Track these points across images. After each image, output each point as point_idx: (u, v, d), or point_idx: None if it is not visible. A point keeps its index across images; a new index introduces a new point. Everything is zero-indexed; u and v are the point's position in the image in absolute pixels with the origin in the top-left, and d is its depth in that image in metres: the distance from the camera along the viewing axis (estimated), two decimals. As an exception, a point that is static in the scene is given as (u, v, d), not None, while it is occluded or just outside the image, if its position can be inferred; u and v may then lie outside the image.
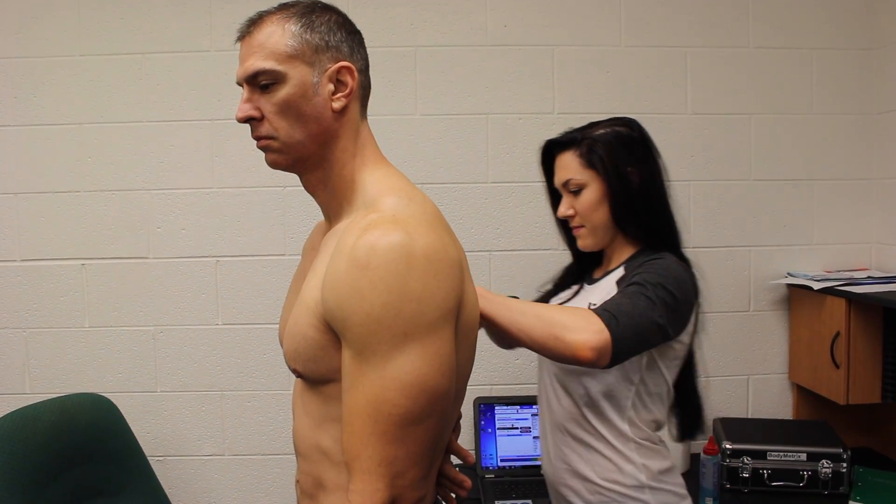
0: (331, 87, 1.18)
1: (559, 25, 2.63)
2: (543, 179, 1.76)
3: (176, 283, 2.61)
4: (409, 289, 1.01)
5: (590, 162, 1.59)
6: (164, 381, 2.62)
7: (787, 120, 2.72)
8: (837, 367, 2.43)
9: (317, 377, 1.15)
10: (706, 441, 2.32)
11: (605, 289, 1.61)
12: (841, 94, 2.74)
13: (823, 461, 2.33)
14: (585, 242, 1.67)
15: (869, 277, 2.54)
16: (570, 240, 1.76)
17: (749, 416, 2.77)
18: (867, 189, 2.77)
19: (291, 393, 2.55)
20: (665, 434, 1.70)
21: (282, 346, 1.25)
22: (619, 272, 1.62)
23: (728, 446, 2.38)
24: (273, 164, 1.21)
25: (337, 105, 1.18)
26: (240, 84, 1.19)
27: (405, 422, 1.03)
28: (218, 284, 2.61)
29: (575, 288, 1.74)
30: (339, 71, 1.18)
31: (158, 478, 2.34)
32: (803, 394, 2.74)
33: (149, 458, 2.35)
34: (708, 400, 2.71)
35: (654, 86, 2.67)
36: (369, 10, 2.55)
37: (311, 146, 1.18)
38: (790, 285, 2.71)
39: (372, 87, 1.29)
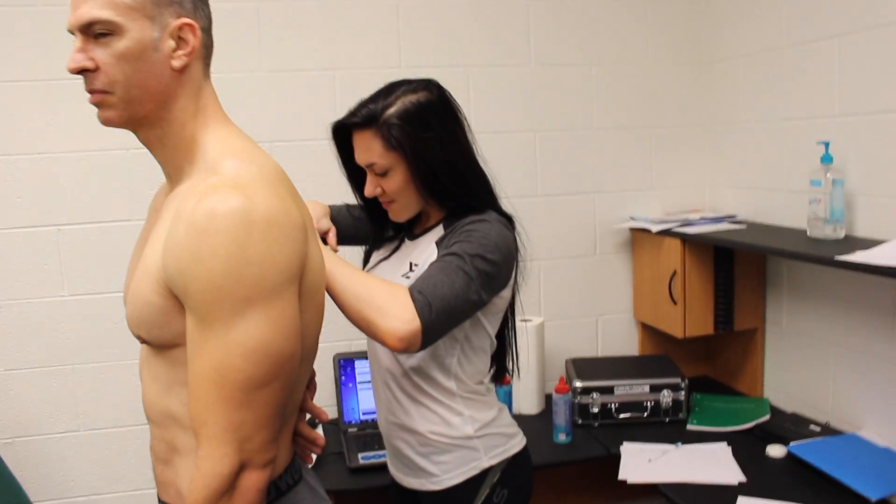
0: (171, 43, 1.13)
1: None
2: (336, 154, 1.68)
3: (14, 255, 2.47)
4: (249, 254, 1.01)
5: (391, 144, 1.52)
6: (7, 359, 2.50)
7: (626, 70, 2.85)
8: (675, 303, 2.62)
9: (162, 342, 1.13)
10: (557, 381, 2.46)
11: (424, 248, 1.62)
12: (675, 43, 2.88)
13: (664, 391, 2.51)
14: (400, 216, 1.64)
15: (702, 218, 2.72)
16: (373, 210, 1.73)
17: (599, 355, 2.94)
18: (700, 135, 2.94)
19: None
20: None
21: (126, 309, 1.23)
22: (439, 231, 1.62)
23: (578, 385, 2.52)
24: (107, 122, 1.16)
25: (177, 63, 1.14)
26: (72, 32, 1.13)
27: (250, 386, 1.04)
28: (61, 254, 2.50)
29: (395, 243, 1.73)
30: (180, 28, 1.14)
31: (6, 462, 2.24)
32: (647, 330, 2.93)
33: (-6, 440, 2.26)
34: (561, 342, 2.87)
35: (498, 37, 2.73)
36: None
37: (149, 104, 1.14)
38: (632, 228, 2.87)
39: (214, 44, 1.25)
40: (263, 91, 2.57)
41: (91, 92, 1.14)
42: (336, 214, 1.87)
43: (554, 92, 2.79)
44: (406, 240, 1.72)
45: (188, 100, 1.18)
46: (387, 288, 1.45)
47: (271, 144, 2.55)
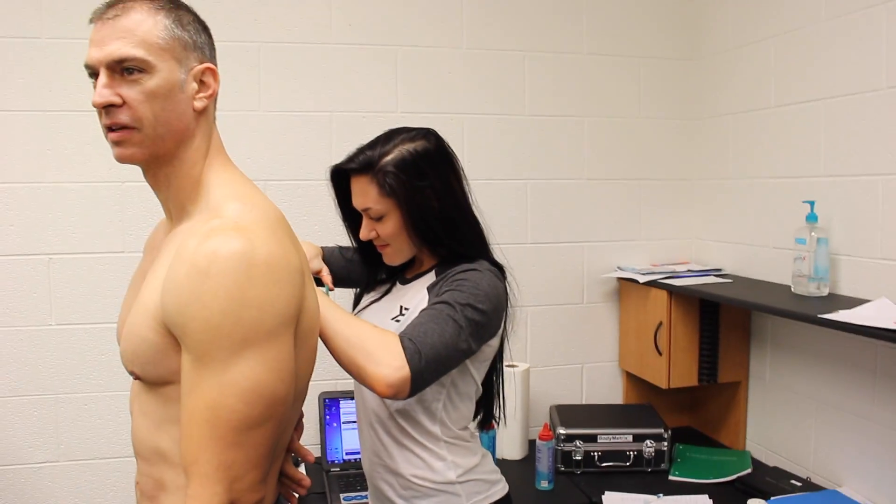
0: (194, 85, 1.18)
1: (403, 26, 2.69)
2: (334, 197, 1.71)
3: (4, 282, 2.47)
4: (249, 296, 1.03)
5: (386, 191, 1.56)
6: (-10, 385, 2.50)
7: (618, 123, 2.91)
8: (660, 354, 2.64)
9: (155, 379, 1.14)
10: (541, 428, 2.47)
11: (416, 294, 1.64)
12: (667, 100, 2.95)
13: (647, 441, 2.52)
14: (393, 260, 1.67)
15: (689, 270, 2.76)
16: (367, 253, 1.75)
17: (583, 402, 2.95)
18: (689, 189, 3.00)
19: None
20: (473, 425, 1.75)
21: (119, 345, 1.24)
22: (431, 277, 1.65)
23: (562, 432, 2.53)
24: (127, 158, 1.17)
25: (199, 105, 1.19)
26: (89, 67, 1.15)
27: (243, 426, 1.04)
28: (51, 283, 2.51)
29: (387, 286, 1.75)
30: (203, 72, 1.19)
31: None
32: (632, 379, 2.94)
33: (-27, 468, 2.23)
34: (547, 388, 2.88)
35: (493, 88, 2.78)
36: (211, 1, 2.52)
37: (170, 142, 1.17)
38: (620, 278, 2.90)
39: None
40: (261, 130, 2.60)
41: (112, 127, 1.15)
42: (329, 256, 1.90)
43: (546, 142, 2.84)
44: (398, 283, 1.73)
45: (202, 140, 1.22)
46: (378, 334, 1.46)
47: (267, 183, 2.57)
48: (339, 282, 1.88)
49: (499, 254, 1.71)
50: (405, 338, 1.45)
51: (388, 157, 1.58)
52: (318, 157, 2.61)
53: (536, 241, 2.85)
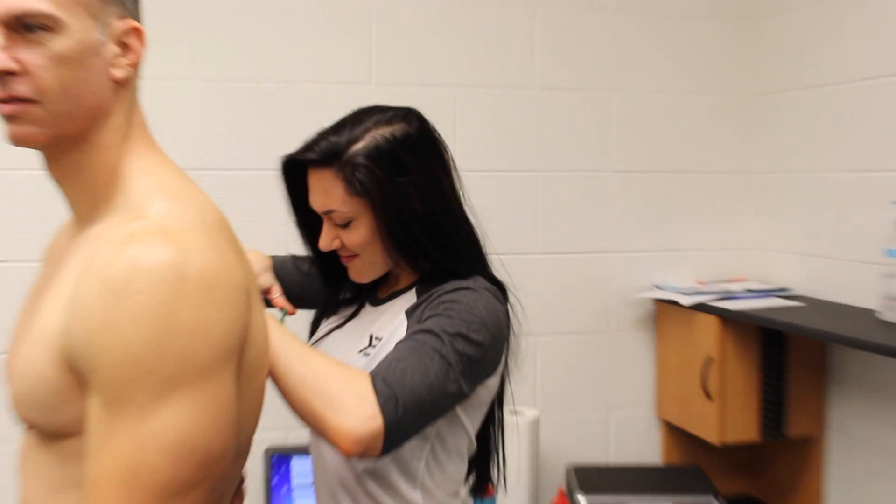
0: (114, 49, 1.17)
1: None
2: (286, 195, 1.70)
3: None
4: (178, 321, 1.02)
5: (355, 189, 1.54)
6: None
7: (654, 99, 2.90)
8: (710, 399, 2.61)
9: (54, 430, 1.12)
10: (555, 495, 2.45)
11: (391, 318, 1.62)
12: (716, 70, 2.94)
13: (694, 513, 2.52)
14: (362, 276, 1.65)
15: (747, 290, 2.75)
16: (326, 265, 1.74)
17: (609, 462, 2.92)
18: (745, 185, 2.99)
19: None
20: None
21: (7, 385, 1.23)
22: (411, 297, 1.63)
23: (582, 500, 2.49)
24: (22, 139, 1.15)
25: (120, 73, 1.18)
26: None
27: (169, 491, 1.02)
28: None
29: (353, 308, 1.74)
30: (126, 32, 1.18)
31: None
32: (673, 433, 2.92)
33: None
34: (562, 443, 2.87)
35: (495, 53, 2.78)
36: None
37: (80, 121, 1.16)
38: (657, 300, 2.89)
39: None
40: (195, 105, 2.59)
41: (7, 100, 1.13)
42: (280, 268, 1.88)
43: (562, 123, 2.84)
44: (367, 305, 1.72)
45: (121, 118, 1.21)
46: (343, 373, 1.44)
47: (200, 173, 2.54)
48: (293, 301, 1.86)
49: (499, 268, 1.70)
50: (377, 378, 1.42)
51: (358, 146, 1.56)
52: (266, 140, 2.60)
53: (548, 251, 2.84)
